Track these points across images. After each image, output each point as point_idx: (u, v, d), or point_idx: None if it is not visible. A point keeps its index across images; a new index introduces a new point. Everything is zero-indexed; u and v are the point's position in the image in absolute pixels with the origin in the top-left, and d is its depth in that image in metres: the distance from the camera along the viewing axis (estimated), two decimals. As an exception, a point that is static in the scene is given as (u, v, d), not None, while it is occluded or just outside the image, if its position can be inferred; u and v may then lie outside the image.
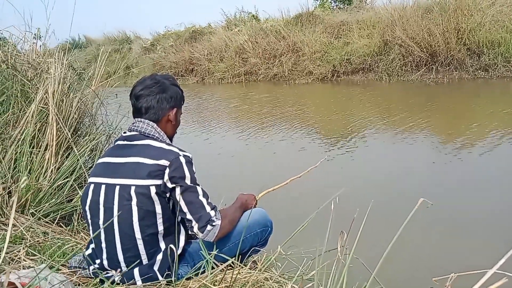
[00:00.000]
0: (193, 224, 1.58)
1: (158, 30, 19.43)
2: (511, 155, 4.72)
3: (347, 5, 14.51)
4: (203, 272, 1.60)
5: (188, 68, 15.47)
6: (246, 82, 13.22)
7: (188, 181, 1.57)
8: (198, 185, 1.62)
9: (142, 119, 1.67)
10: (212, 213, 1.60)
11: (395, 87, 9.88)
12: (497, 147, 4.89)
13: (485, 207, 3.44)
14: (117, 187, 1.54)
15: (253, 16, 16.39)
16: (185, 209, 1.57)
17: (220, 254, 1.59)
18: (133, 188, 1.52)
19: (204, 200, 1.60)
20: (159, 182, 1.54)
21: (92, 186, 1.61)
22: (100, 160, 1.67)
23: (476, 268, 1.03)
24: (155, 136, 1.65)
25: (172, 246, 1.56)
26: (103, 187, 1.57)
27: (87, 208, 1.61)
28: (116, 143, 1.69)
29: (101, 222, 1.57)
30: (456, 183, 4.04)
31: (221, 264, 1.51)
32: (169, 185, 1.55)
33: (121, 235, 1.54)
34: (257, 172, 4.76)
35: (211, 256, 1.54)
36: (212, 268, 1.55)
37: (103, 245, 1.58)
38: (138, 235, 1.54)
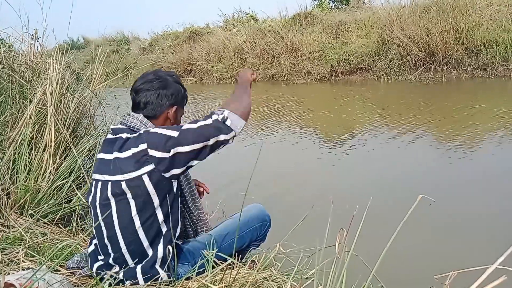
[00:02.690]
0: (215, 136, 1.53)
1: (156, 30, 19.45)
2: (510, 154, 4.72)
3: (345, 5, 14.53)
4: (203, 271, 1.60)
5: (187, 69, 15.47)
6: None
7: (175, 134, 1.49)
8: (181, 126, 1.54)
9: (135, 114, 1.62)
10: (213, 117, 1.56)
11: (394, 86, 9.90)
12: (496, 146, 4.90)
13: (485, 206, 3.45)
14: (109, 184, 1.51)
15: (251, 16, 16.40)
16: (203, 143, 1.51)
17: (220, 254, 1.58)
18: (123, 183, 1.48)
19: (199, 123, 1.54)
20: (149, 167, 1.46)
21: (93, 182, 1.60)
22: (98, 155, 1.64)
23: (476, 266, 1.03)
24: (140, 129, 1.58)
25: (170, 247, 1.55)
26: (99, 184, 1.55)
27: (89, 203, 1.61)
28: (108, 137, 1.64)
29: (99, 218, 1.55)
30: (456, 182, 4.04)
31: (222, 263, 1.50)
32: (166, 154, 1.47)
33: (121, 229, 1.52)
34: (256, 172, 4.76)
35: (211, 255, 1.53)
36: (212, 267, 1.54)
37: (106, 240, 1.56)
38: (138, 224, 1.51)
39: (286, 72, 12.31)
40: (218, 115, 1.56)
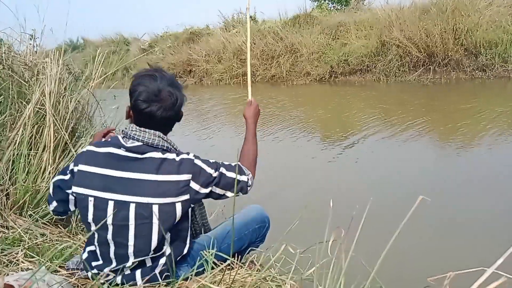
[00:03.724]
0: (236, 191, 1.60)
1: (156, 31, 19.46)
2: (509, 154, 4.72)
3: (345, 6, 14.54)
4: (203, 271, 1.60)
5: (186, 70, 15.49)
6: (244, 83, 13.22)
7: (214, 173, 1.59)
8: (218, 165, 1.64)
9: (157, 132, 1.53)
10: (244, 178, 1.71)
11: (393, 87, 9.90)
12: (495, 146, 4.90)
13: (484, 207, 3.45)
14: (132, 205, 1.45)
15: (251, 17, 16.41)
16: (225, 192, 1.64)
17: (219, 253, 1.58)
18: (155, 206, 1.45)
19: (231, 175, 1.64)
20: (185, 197, 1.52)
21: (92, 199, 1.48)
22: (95, 170, 1.50)
23: (476, 267, 1.03)
24: (164, 146, 1.53)
25: (171, 248, 1.55)
26: (110, 203, 1.46)
27: (89, 221, 1.51)
28: (113, 152, 1.51)
29: (109, 237, 1.49)
30: (454, 183, 4.04)
31: (221, 263, 1.50)
32: (204, 191, 1.57)
33: (135, 251, 1.50)
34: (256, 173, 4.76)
35: (211, 255, 1.53)
36: (212, 267, 1.54)
37: (112, 255, 1.53)
38: (153, 247, 1.51)
39: (285, 73, 12.32)
40: (247, 176, 1.73)
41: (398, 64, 10.28)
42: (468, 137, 5.29)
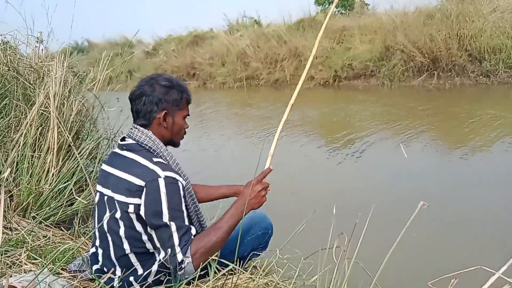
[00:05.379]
0: (167, 264, 1.47)
1: (160, 34, 19.53)
2: (508, 156, 4.72)
3: (349, 10, 14.56)
4: (204, 276, 1.59)
5: (190, 73, 15.52)
6: (247, 86, 13.24)
7: (164, 210, 1.43)
8: (181, 210, 1.47)
9: (138, 126, 1.59)
10: (180, 256, 1.42)
11: (397, 92, 9.89)
12: (497, 151, 4.89)
13: (487, 210, 3.44)
14: (111, 199, 1.53)
15: (255, 21, 16.44)
16: (157, 244, 1.49)
17: (221, 259, 1.57)
18: (117, 203, 1.49)
19: (175, 239, 1.43)
20: (137, 201, 1.45)
21: (98, 194, 1.61)
22: (103, 167, 1.64)
23: (478, 272, 1.03)
24: (148, 145, 1.55)
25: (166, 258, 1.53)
26: (105, 198, 1.56)
27: (96, 214, 1.62)
28: (114, 150, 1.65)
29: (96, 230, 1.58)
30: (457, 187, 4.03)
31: (223, 269, 1.50)
32: (141, 212, 1.45)
33: (114, 247, 1.54)
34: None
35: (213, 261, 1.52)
36: (214, 272, 1.54)
37: (100, 251, 1.59)
38: (127, 248, 1.52)
39: (289, 76, 12.33)
40: (187, 259, 1.43)
41: (402, 69, 10.27)
42: (471, 143, 5.28)
